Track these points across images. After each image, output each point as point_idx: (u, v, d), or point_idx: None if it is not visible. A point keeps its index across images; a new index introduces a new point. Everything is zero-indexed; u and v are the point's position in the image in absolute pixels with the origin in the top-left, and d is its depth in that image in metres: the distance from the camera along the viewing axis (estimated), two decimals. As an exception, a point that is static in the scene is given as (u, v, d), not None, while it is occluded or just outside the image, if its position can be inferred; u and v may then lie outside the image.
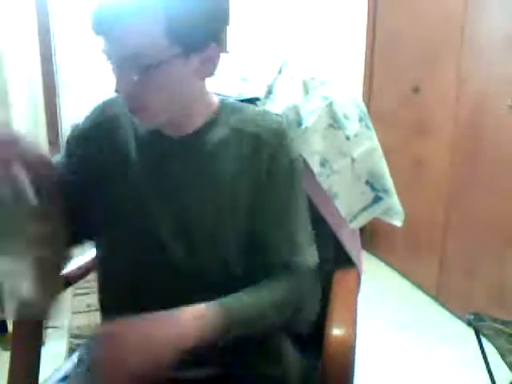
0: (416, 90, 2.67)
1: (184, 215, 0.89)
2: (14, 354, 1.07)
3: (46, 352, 1.23)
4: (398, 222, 1.33)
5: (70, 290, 2.45)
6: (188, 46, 0.79)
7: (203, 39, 0.80)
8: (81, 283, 1.22)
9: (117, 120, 0.94)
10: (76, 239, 0.94)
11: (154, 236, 0.89)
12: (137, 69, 0.78)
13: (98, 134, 0.95)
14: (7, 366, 1.07)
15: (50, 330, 2.11)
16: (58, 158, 0.98)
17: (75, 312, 2.31)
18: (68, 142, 0.99)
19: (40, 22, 2.50)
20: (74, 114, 1.06)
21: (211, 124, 0.91)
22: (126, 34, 0.76)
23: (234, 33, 2.75)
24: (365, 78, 3.05)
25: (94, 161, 0.94)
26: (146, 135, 0.92)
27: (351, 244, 1.30)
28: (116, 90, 0.82)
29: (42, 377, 1.10)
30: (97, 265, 1.01)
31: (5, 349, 2.01)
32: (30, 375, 1.08)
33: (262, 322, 0.85)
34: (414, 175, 2.68)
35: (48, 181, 0.80)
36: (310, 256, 0.93)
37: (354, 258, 1.30)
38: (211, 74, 0.86)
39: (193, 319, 0.77)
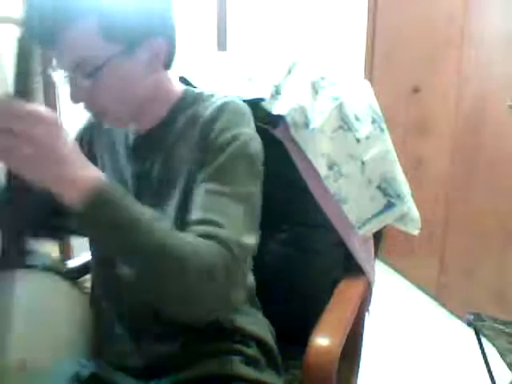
0: (416, 89, 2.67)
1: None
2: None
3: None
4: (413, 231, 1.27)
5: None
6: (127, 42, 0.79)
7: (142, 33, 0.80)
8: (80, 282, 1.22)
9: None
10: None
11: None
12: (84, 75, 0.78)
13: (91, 132, 1.03)
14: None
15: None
16: None
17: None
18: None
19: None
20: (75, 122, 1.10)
21: (172, 116, 0.91)
22: (62, 45, 0.77)
23: (234, 33, 2.76)
24: (365, 78, 3.05)
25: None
26: (119, 132, 0.97)
27: (362, 251, 1.24)
28: (71, 100, 0.82)
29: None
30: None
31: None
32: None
33: (161, 245, 0.70)
34: (414, 175, 2.68)
35: None
36: (245, 237, 0.78)
37: (365, 267, 1.24)
38: (164, 65, 0.87)
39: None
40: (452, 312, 2.47)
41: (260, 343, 0.99)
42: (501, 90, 2.12)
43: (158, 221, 0.72)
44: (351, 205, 1.18)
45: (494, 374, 1.54)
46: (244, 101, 1.13)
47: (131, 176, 0.93)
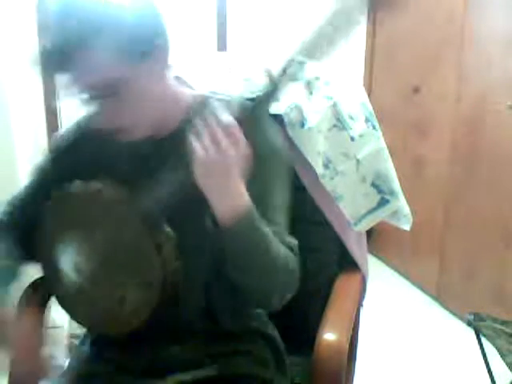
0: (416, 89, 2.66)
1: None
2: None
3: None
4: (406, 226, 1.30)
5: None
6: (139, 56, 0.80)
7: (150, 44, 0.82)
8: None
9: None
10: None
11: None
12: (105, 95, 0.80)
13: (85, 143, 0.97)
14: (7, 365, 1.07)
15: (50, 330, 2.10)
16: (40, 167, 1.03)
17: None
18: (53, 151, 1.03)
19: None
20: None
21: (184, 125, 0.87)
22: (81, 67, 0.78)
23: (234, 32, 2.76)
24: (365, 78, 3.05)
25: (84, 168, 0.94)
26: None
27: (357, 247, 1.27)
28: (91, 118, 0.85)
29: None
30: None
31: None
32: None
33: (269, 254, 0.83)
34: (414, 175, 2.68)
35: None
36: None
37: (360, 262, 1.27)
38: (167, 70, 0.88)
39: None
40: (452, 312, 2.46)
41: (268, 342, 1.01)
42: (501, 90, 2.12)
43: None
44: (347, 202, 1.21)
45: (494, 373, 1.54)
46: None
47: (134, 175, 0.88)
